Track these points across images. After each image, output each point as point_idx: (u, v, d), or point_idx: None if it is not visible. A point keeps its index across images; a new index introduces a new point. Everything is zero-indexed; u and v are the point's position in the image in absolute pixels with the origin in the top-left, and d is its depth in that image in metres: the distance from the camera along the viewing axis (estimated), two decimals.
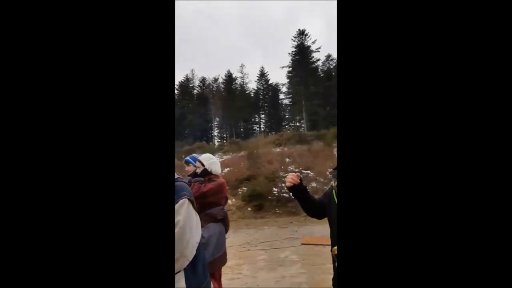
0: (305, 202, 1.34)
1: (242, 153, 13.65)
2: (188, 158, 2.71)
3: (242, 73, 37.42)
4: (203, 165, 2.26)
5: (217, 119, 35.30)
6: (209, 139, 32.93)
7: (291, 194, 1.35)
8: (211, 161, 2.30)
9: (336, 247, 1.11)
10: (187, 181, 1.28)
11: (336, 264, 1.11)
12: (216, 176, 2.27)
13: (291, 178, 1.29)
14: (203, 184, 2.20)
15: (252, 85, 38.19)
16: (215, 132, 36.42)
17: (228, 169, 11.05)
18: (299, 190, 1.30)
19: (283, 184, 9.51)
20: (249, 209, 8.38)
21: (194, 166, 2.58)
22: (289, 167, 10.58)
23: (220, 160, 11.67)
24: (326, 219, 1.41)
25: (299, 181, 1.28)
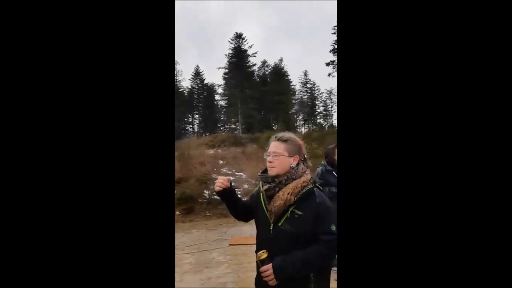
0: (233, 205, 1.34)
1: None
2: None
3: (175, 70, 35.75)
4: None
5: None
6: None
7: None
8: None
9: (260, 252, 1.13)
10: None
11: (260, 267, 1.13)
12: None
13: (220, 182, 1.27)
14: None
15: (186, 83, 36.82)
16: None
17: None
18: (228, 193, 1.29)
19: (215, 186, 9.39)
20: (177, 212, 8.02)
21: None
22: (222, 169, 10.56)
23: None
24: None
25: (229, 185, 1.28)
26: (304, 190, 1.14)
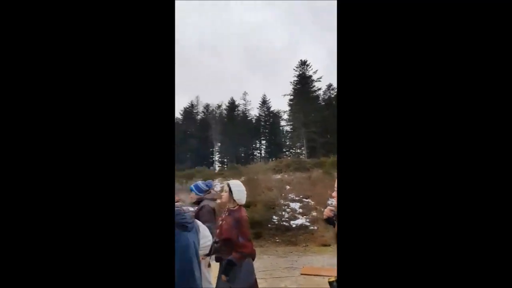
0: None
1: (242, 178, 13.66)
2: (192, 186, 2.81)
3: (244, 100, 38.41)
4: (230, 190, 2.27)
5: (219, 144, 35.66)
6: (210, 163, 33.02)
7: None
8: (239, 189, 2.28)
9: (332, 277, 1.24)
10: (186, 210, 1.42)
11: None
12: (239, 207, 2.26)
13: (325, 212, 1.55)
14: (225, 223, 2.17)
15: (254, 111, 39.04)
16: (216, 157, 36.57)
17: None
18: (333, 220, 1.49)
19: (283, 212, 9.47)
20: None
21: (197, 194, 2.68)
22: (290, 194, 10.57)
23: (220, 185, 11.67)
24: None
25: (332, 214, 1.51)
26: None
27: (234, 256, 2.07)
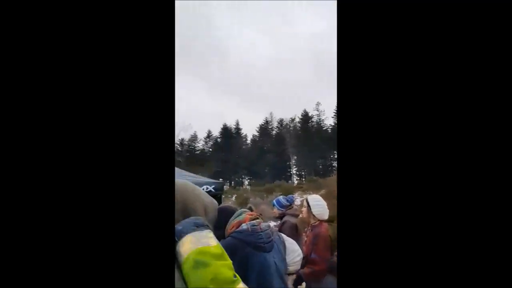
0: None
1: (322, 191, 13.19)
2: (273, 201, 2.91)
3: (318, 110, 37.76)
4: (309, 205, 2.24)
5: (295, 157, 35.64)
6: (288, 177, 33.19)
7: None
8: (318, 203, 2.23)
9: None
10: (266, 227, 1.31)
11: None
12: (320, 222, 2.18)
13: None
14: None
15: (329, 121, 37.71)
16: (293, 170, 36.55)
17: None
18: None
19: None
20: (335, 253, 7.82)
21: (279, 209, 2.75)
22: None
23: (300, 199, 11.57)
24: None
25: None
26: None
27: (303, 271, 2.00)
